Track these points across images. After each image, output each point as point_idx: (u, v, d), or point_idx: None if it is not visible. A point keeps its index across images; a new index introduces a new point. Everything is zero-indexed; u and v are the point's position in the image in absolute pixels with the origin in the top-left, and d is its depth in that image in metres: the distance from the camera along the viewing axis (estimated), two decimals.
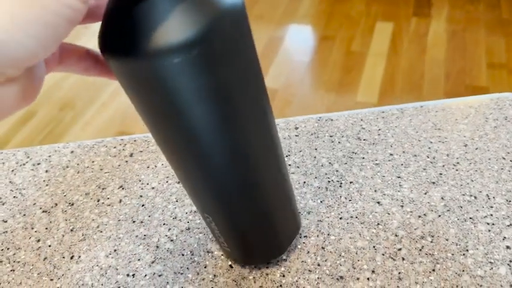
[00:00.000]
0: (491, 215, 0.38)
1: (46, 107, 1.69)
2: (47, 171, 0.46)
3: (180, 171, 0.27)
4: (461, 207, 0.38)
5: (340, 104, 1.56)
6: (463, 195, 0.39)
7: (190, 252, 0.37)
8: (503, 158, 0.42)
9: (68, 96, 1.73)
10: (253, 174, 0.27)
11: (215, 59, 0.20)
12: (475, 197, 0.39)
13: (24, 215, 0.42)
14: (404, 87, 1.60)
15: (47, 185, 0.44)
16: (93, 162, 0.46)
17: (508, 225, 0.37)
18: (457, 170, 0.41)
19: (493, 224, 0.37)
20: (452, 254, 0.35)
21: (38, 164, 0.47)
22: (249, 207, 0.29)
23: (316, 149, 0.45)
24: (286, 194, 0.32)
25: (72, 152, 0.47)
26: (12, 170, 0.47)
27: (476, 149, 0.43)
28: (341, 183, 0.41)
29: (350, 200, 0.40)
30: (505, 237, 0.36)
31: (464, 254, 0.35)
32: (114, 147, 0.47)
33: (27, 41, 0.15)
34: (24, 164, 0.47)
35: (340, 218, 0.38)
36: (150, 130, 0.24)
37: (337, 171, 0.42)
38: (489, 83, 1.57)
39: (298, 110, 1.55)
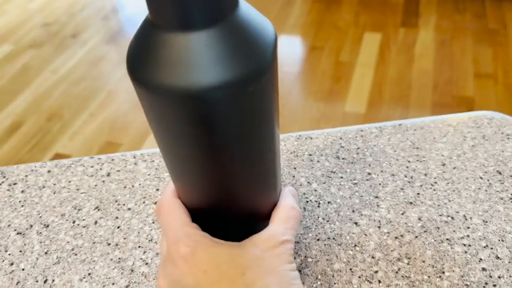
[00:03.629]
0: (468, 236, 0.37)
1: (33, 117, 1.67)
2: (23, 191, 0.45)
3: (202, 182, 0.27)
4: (438, 228, 0.38)
5: (329, 114, 1.56)
6: (440, 215, 0.39)
7: None
8: (481, 178, 0.42)
9: (56, 107, 1.71)
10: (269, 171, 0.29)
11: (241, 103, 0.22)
12: (452, 218, 0.39)
13: None
14: (393, 97, 1.61)
15: (22, 205, 0.44)
16: (69, 182, 0.45)
17: (484, 247, 0.37)
18: (434, 190, 0.41)
19: (470, 246, 0.37)
20: (429, 277, 0.35)
21: (15, 184, 0.46)
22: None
23: (295, 168, 0.44)
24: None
25: (49, 171, 0.47)
26: None
27: (454, 168, 0.43)
28: (319, 203, 0.41)
29: (328, 221, 0.39)
30: (481, 259, 0.36)
31: (440, 277, 0.35)
32: (92, 167, 0.46)
33: None
34: (0, 184, 0.46)
35: (318, 240, 0.38)
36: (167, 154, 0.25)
37: (315, 190, 0.42)
38: (476, 93, 1.59)
39: (287, 120, 1.55)
